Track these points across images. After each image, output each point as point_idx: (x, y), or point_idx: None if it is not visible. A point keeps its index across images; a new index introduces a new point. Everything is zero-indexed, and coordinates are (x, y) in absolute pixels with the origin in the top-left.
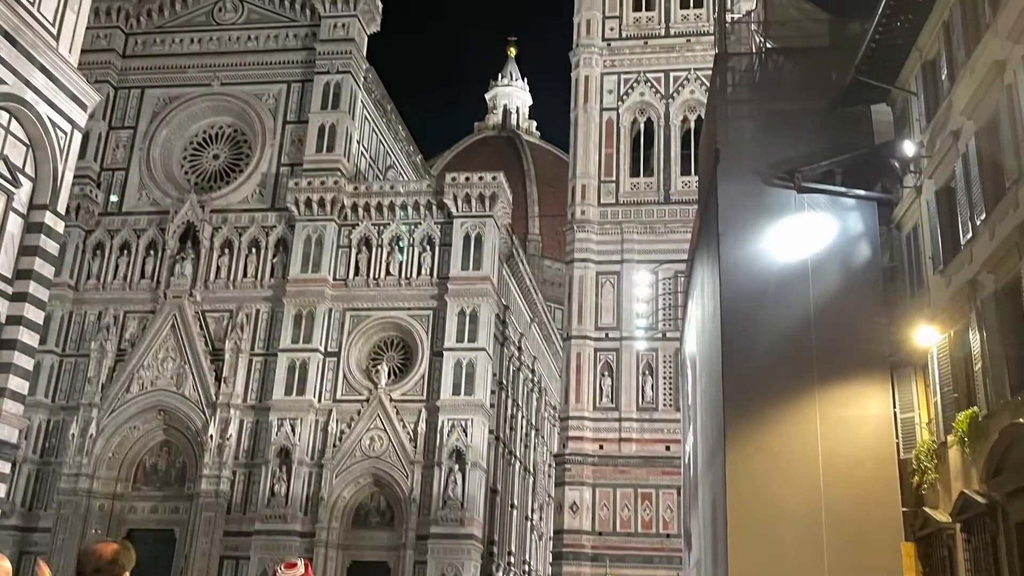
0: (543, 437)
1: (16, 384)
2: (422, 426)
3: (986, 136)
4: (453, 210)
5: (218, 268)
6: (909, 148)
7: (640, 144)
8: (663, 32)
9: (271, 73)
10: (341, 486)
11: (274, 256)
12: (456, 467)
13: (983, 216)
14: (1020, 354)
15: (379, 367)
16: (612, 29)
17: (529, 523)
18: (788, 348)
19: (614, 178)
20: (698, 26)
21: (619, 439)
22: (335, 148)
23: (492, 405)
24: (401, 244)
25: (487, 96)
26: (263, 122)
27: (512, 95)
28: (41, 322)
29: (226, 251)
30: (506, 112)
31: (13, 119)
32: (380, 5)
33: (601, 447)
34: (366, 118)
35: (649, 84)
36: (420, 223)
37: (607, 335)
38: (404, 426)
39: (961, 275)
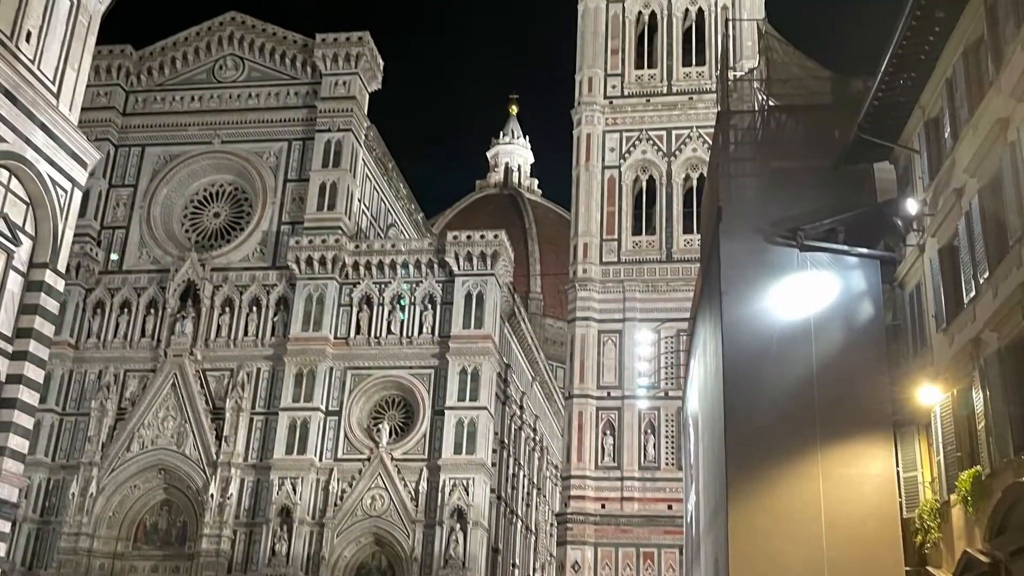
0: (545, 496)
1: (16, 443)
2: (423, 485)
3: (989, 194)
4: (455, 268)
5: (219, 327)
6: (912, 206)
7: (642, 202)
8: (665, 90)
9: (272, 131)
10: (342, 545)
11: (275, 315)
12: (458, 526)
13: (986, 274)
14: (1023, 413)
15: (380, 426)
16: (614, 87)
17: None
18: (790, 406)
19: (616, 236)
20: (700, 84)
21: (621, 498)
22: (336, 206)
23: (494, 464)
24: (402, 303)
25: (488, 154)
26: (264, 180)
27: (514, 153)
28: (41, 381)
29: (227, 309)
30: (508, 170)
31: (13, 177)
32: (381, 63)
33: (603, 506)
34: (367, 176)
35: (651, 142)
36: (421, 281)
37: (609, 394)
38: (405, 485)
39: (964, 334)
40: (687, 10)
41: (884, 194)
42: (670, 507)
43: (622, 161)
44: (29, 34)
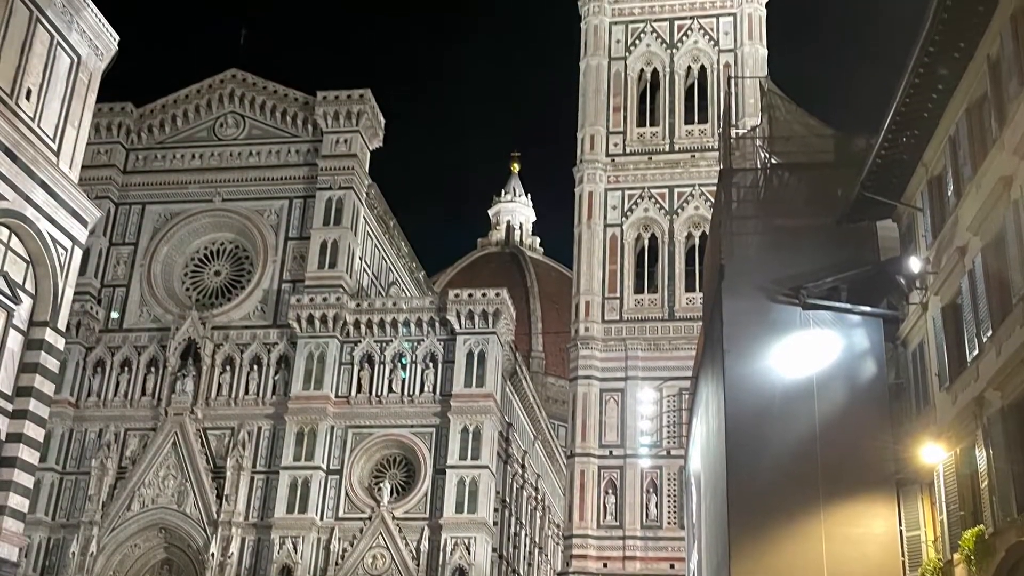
0: (547, 555)
1: (16, 502)
2: (425, 544)
3: (992, 252)
4: (456, 327)
5: (219, 385)
6: (915, 264)
7: (644, 260)
8: (667, 148)
9: (273, 189)
10: None
11: (276, 373)
12: None
13: (989, 333)
14: None
15: (381, 485)
16: (616, 145)
17: None
18: (793, 465)
19: (618, 295)
20: (702, 142)
21: (623, 557)
22: (337, 264)
23: (495, 523)
24: (404, 361)
25: (490, 212)
26: (265, 238)
27: (515, 211)
28: (41, 439)
29: (228, 368)
30: (509, 228)
31: (13, 235)
32: (382, 120)
33: (605, 565)
34: (368, 234)
35: (653, 200)
36: (423, 340)
37: (611, 452)
38: (407, 544)
39: (967, 392)
40: (689, 68)
41: (887, 252)
42: (672, 566)
43: (624, 219)
44: (29, 92)
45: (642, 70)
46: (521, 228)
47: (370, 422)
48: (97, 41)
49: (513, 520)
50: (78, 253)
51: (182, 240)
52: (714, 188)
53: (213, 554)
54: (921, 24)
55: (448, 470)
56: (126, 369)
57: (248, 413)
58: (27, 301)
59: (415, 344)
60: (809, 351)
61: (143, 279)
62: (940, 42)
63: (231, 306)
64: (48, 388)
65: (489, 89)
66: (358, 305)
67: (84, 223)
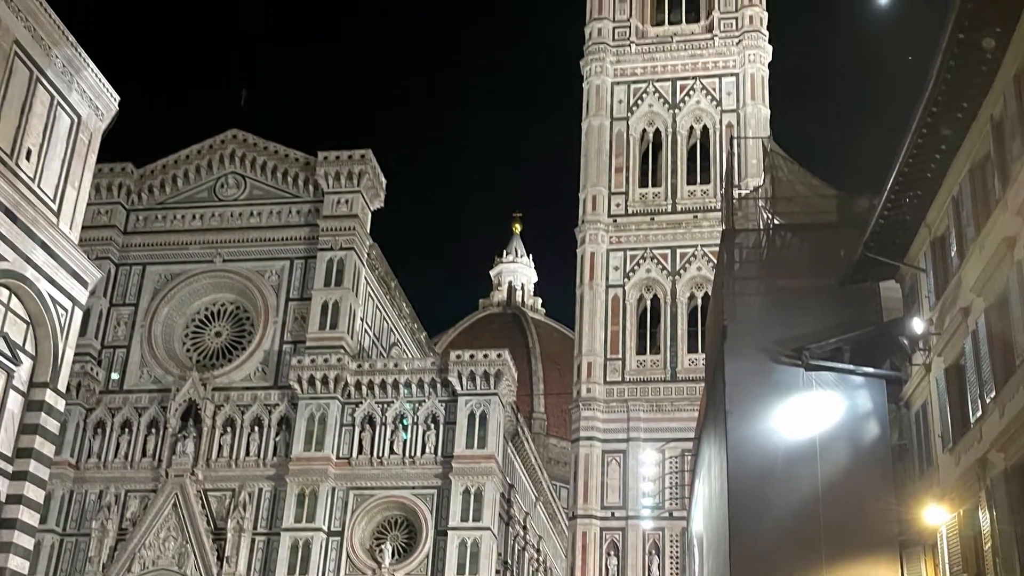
0: None
1: (16, 564)
2: None
3: (996, 313)
4: (458, 388)
5: (220, 446)
6: (918, 325)
7: (646, 321)
8: (670, 208)
9: (274, 250)
10: None
11: (277, 434)
12: None
13: (993, 394)
14: None
15: (383, 546)
16: (618, 205)
17: None
18: (796, 527)
19: (620, 356)
20: (705, 202)
21: None
22: (338, 325)
23: None
24: (405, 422)
25: (492, 273)
26: (266, 299)
27: (517, 272)
28: (42, 501)
29: (228, 429)
30: (511, 289)
31: (13, 296)
32: (384, 181)
33: None
34: (370, 295)
35: (655, 261)
36: (424, 401)
37: (613, 514)
38: None
39: (971, 454)
40: (692, 128)
41: (890, 313)
42: None
43: (626, 280)
44: (29, 152)
45: (644, 130)
46: (523, 289)
47: (371, 483)
48: (97, 101)
49: None
50: (78, 314)
51: (183, 301)
52: (716, 249)
53: None
54: (924, 84)
55: (450, 532)
56: (127, 430)
57: (249, 474)
58: (27, 362)
59: (416, 405)
60: (812, 412)
61: (144, 340)
62: (943, 102)
63: (232, 367)
64: (48, 449)
65: (491, 149)
66: (359, 366)
67: (84, 284)
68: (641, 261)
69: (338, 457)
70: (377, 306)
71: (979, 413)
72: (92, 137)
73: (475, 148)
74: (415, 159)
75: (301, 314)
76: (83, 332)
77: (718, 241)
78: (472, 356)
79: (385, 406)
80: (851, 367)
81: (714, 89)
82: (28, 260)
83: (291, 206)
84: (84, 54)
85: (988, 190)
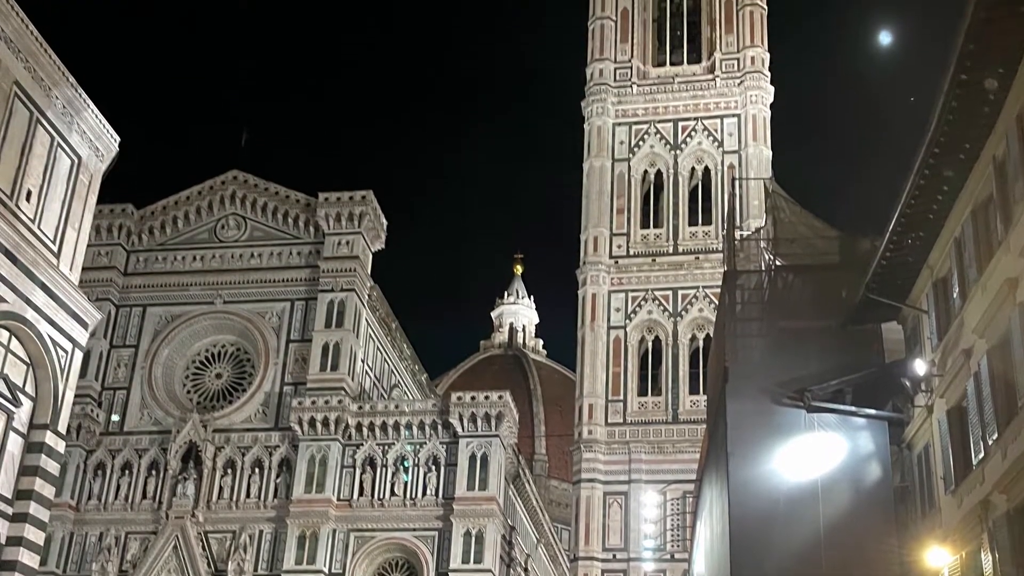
0: None
1: None
2: None
3: (998, 355)
4: (459, 430)
5: (221, 488)
6: (920, 367)
7: (648, 362)
8: (671, 249)
9: (274, 291)
10: None
11: (277, 476)
12: None
13: (995, 436)
14: None
15: None
16: (620, 246)
17: None
18: (798, 569)
19: (621, 397)
20: (707, 243)
21: None
22: (339, 367)
23: None
24: (406, 464)
25: (493, 314)
26: (266, 340)
27: (518, 313)
28: (42, 543)
29: (229, 471)
30: (512, 330)
31: (13, 337)
32: (384, 222)
33: None
34: (371, 336)
35: (657, 302)
36: (425, 443)
37: (615, 556)
38: None
39: (973, 495)
40: (693, 169)
41: (892, 354)
42: None
43: (628, 321)
44: (29, 193)
45: (646, 171)
46: (524, 330)
47: (372, 525)
48: (98, 142)
49: None
50: (79, 355)
51: (183, 342)
52: (718, 290)
53: None
54: (926, 125)
55: (451, 574)
56: (127, 472)
57: (249, 516)
58: (27, 404)
59: (417, 447)
60: (814, 454)
61: (144, 381)
62: (945, 143)
63: (232, 409)
64: (48, 491)
65: (492, 190)
66: (360, 408)
67: (85, 325)
68: (643, 302)
69: (339, 499)
70: (378, 347)
71: (981, 455)
72: (92, 178)
73: (476, 188)
74: (416, 200)
75: (302, 355)
76: (83, 374)
77: (720, 282)
78: (473, 398)
79: (386, 448)
80: (853, 409)
81: (716, 130)
82: (28, 302)
83: (292, 247)
84: (84, 95)
85: (990, 231)
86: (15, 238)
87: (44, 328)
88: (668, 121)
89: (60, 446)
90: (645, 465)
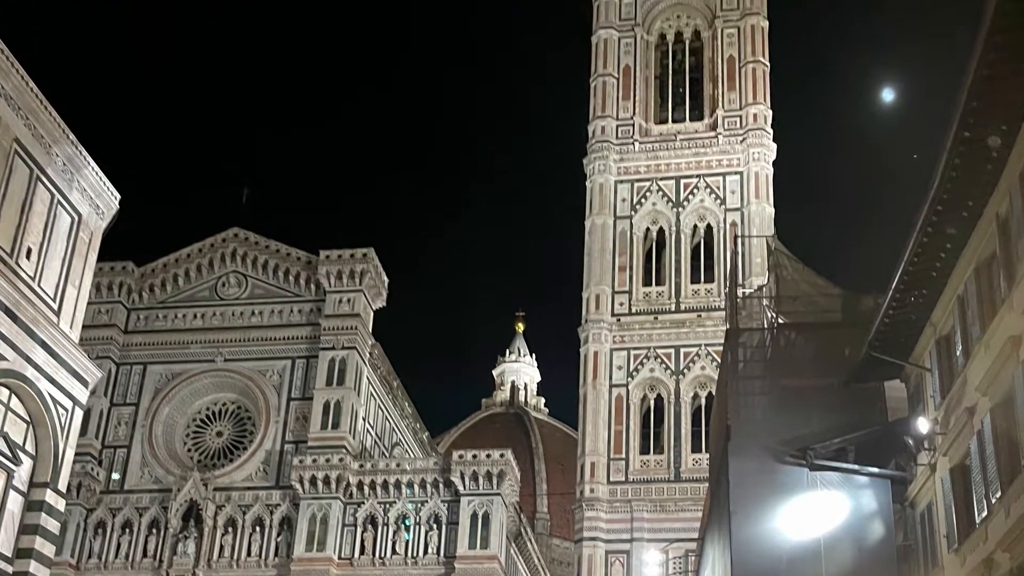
0: None
1: None
2: None
3: (1002, 413)
4: (460, 488)
5: (222, 547)
6: (923, 425)
7: (650, 420)
8: (673, 307)
9: (275, 349)
10: None
11: (278, 534)
12: None
13: (998, 494)
14: None
15: None
16: (621, 304)
17: None
18: None
19: (624, 455)
20: (709, 301)
21: None
22: (340, 425)
23: None
24: (407, 523)
25: (495, 372)
26: (267, 399)
27: (520, 371)
28: None
29: (230, 529)
30: (514, 388)
31: (13, 396)
32: (386, 279)
33: None
34: (372, 394)
35: (659, 360)
36: (427, 501)
37: None
38: None
39: (976, 554)
40: (695, 226)
41: (895, 412)
42: None
43: (630, 379)
44: (30, 251)
45: (648, 229)
46: (526, 388)
47: None
48: (98, 200)
49: None
50: (79, 413)
51: (184, 400)
52: (721, 348)
53: None
54: (929, 182)
55: None
56: (127, 531)
57: (250, 575)
58: (27, 462)
59: (419, 505)
60: (816, 512)
61: (144, 440)
62: (948, 200)
63: (233, 467)
64: (48, 550)
65: (493, 247)
66: (361, 466)
67: (85, 383)
68: (644, 360)
69: (340, 558)
70: (379, 405)
71: (985, 513)
72: (93, 235)
73: (477, 247)
74: (417, 258)
75: (303, 413)
76: (83, 432)
77: (722, 340)
78: (475, 456)
79: (387, 506)
80: (856, 467)
81: (718, 187)
82: (28, 360)
83: (292, 305)
84: (85, 152)
85: (994, 289)
86: (15, 296)
87: (44, 386)
88: (670, 178)
89: (60, 504)
90: (647, 523)
